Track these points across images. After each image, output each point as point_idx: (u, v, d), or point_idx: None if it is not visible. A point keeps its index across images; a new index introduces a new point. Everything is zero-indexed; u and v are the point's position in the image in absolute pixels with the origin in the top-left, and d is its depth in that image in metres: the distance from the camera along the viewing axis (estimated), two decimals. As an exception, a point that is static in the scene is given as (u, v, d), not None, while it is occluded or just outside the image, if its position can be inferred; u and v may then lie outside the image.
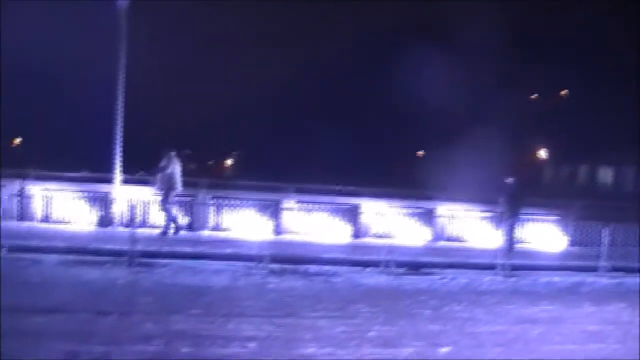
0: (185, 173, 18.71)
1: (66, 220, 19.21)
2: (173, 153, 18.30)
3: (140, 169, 19.35)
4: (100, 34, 22.69)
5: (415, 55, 37.81)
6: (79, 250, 15.39)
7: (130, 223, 17.16)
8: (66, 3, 32.15)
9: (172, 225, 18.26)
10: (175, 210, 18.46)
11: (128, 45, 19.33)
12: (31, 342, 8.65)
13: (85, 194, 19.49)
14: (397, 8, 49.42)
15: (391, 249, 16.33)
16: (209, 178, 24.25)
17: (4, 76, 30.55)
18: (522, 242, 20.34)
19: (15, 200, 19.02)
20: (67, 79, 36.19)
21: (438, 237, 20.74)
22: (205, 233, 19.10)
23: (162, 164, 18.21)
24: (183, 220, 18.97)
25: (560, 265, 17.87)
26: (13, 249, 14.74)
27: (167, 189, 18.17)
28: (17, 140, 38.69)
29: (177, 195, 18.47)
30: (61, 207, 19.32)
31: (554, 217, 21.48)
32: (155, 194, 18.60)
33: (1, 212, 18.15)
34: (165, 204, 18.25)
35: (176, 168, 18.24)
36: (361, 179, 26.20)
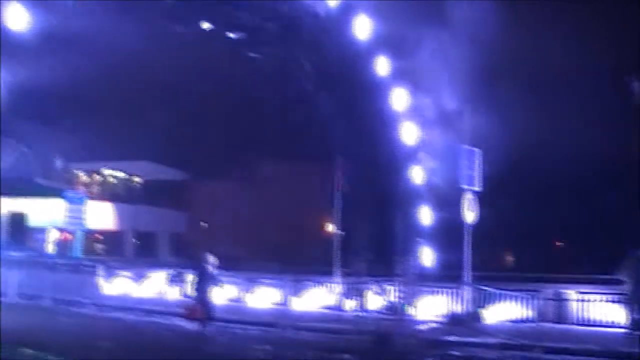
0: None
1: (599, 322, 19.66)
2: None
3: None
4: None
5: None
6: (609, 353, 15.97)
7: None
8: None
9: None
10: None
11: None
12: None
13: (615, 297, 19.52)
14: None
15: None
16: None
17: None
18: None
19: (551, 303, 20.46)
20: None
21: None
22: None
23: (624, 268, 17.75)
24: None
25: None
26: (546, 351, 16.13)
27: (633, 293, 17.64)
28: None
29: None
30: (593, 310, 19.94)
31: None
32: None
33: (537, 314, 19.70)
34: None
35: None
36: None
